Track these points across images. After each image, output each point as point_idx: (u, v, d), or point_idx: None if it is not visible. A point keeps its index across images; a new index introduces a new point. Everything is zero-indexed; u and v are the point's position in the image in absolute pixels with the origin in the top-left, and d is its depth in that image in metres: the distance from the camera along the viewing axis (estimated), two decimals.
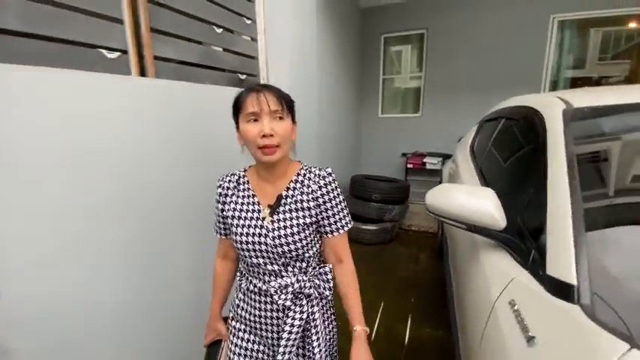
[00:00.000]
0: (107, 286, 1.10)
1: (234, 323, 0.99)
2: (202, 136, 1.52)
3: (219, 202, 0.93)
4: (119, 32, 1.18)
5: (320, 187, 0.87)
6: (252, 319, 0.93)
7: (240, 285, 0.97)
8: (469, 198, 1.01)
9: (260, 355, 0.96)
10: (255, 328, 0.94)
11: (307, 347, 0.90)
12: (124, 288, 1.15)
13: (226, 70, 1.82)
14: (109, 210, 1.09)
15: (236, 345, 0.97)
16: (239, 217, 0.88)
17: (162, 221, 1.31)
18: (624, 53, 3.80)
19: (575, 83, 3.90)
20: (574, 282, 0.67)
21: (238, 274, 1.00)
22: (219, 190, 0.93)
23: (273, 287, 0.86)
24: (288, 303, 0.85)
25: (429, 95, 4.27)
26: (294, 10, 2.39)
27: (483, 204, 0.98)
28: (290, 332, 0.85)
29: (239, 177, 0.93)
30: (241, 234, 0.86)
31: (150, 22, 1.28)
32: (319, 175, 0.89)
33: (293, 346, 0.87)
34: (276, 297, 0.85)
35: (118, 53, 1.18)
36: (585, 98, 1.11)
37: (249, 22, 2.01)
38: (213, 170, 1.29)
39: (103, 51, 1.14)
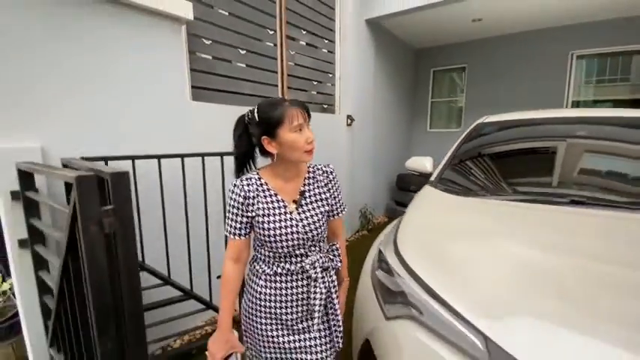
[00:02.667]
0: None
1: (255, 317, 1.04)
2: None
3: (242, 204, 0.98)
4: (277, 90, 2.86)
5: (330, 181, 1.09)
6: (278, 299, 1.01)
7: (259, 273, 1.04)
8: (420, 159, 2.33)
9: (285, 344, 1.04)
10: (278, 308, 1.02)
11: (329, 306, 1.07)
12: None
13: (317, 103, 3.45)
14: None
15: (260, 336, 1.04)
16: (269, 215, 0.97)
17: None
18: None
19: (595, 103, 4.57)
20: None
21: (255, 265, 1.07)
22: (242, 194, 0.98)
23: (307, 264, 1.00)
24: (319, 275, 1.01)
25: (468, 113, 5.31)
26: (358, 60, 3.93)
27: (425, 161, 2.29)
28: (320, 298, 1.02)
29: (257, 182, 1.01)
30: (274, 228, 0.96)
31: (287, 83, 2.95)
32: (326, 172, 1.10)
33: (321, 306, 1.03)
34: (312, 272, 1.00)
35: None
36: (502, 116, 2.25)
37: (330, 75, 3.63)
38: None
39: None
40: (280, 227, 0.97)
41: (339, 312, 1.09)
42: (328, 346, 1.08)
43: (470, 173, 1.97)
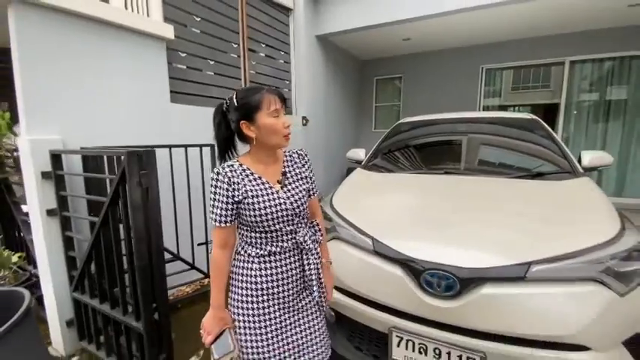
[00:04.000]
0: None
1: (251, 299, 1.06)
2: None
3: (227, 190, 1.00)
4: None
5: (305, 162, 1.19)
6: (275, 278, 1.06)
7: (251, 257, 1.07)
8: (356, 150, 3.04)
9: (280, 319, 1.08)
10: (277, 285, 1.07)
11: (319, 277, 1.15)
12: None
13: None
14: None
15: (259, 318, 1.06)
16: (257, 195, 1.02)
17: None
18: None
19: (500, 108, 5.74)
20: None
21: (243, 252, 1.09)
22: (226, 180, 1.00)
23: (300, 237, 1.08)
24: (311, 246, 1.09)
25: (405, 115, 6.24)
26: (311, 69, 4.58)
27: (360, 151, 3.00)
28: (316, 267, 1.11)
29: (239, 167, 1.05)
30: (265, 207, 1.01)
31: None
32: (300, 155, 1.20)
33: (317, 275, 1.12)
34: (305, 244, 1.08)
35: None
36: (415, 118, 3.08)
37: (287, 82, 4.25)
38: None
39: None
40: (270, 206, 1.02)
41: (324, 287, 1.17)
42: (320, 318, 1.18)
43: (388, 158, 2.71)
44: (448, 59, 5.78)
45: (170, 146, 2.32)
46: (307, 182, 1.16)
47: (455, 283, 1.24)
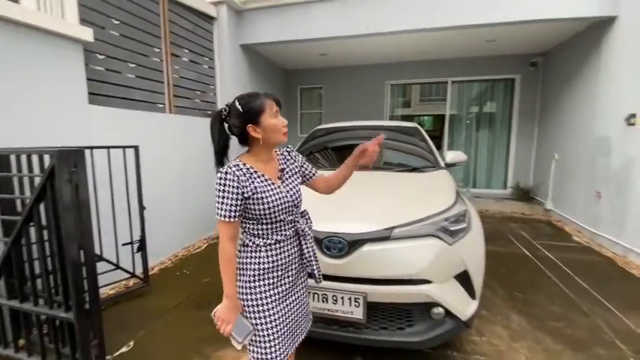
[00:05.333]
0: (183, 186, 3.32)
1: (260, 283, 1.17)
2: (195, 142, 3.82)
3: (237, 187, 1.10)
4: (165, 97, 3.50)
5: (294, 156, 1.34)
6: (281, 261, 1.20)
7: (259, 247, 1.18)
8: None
9: (286, 296, 1.23)
10: (283, 268, 1.21)
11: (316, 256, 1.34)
12: (188, 187, 3.38)
13: (201, 109, 4.18)
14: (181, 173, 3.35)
15: (270, 299, 1.18)
16: (264, 191, 1.13)
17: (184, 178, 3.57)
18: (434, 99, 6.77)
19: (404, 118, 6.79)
20: None
21: (251, 244, 1.19)
22: (235, 178, 1.09)
23: (301, 224, 1.26)
24: (308, 231, 1.29)
25: (326, 120, 6.88)
26: (235, 75, 4.81)
27: None
28: (313, 250, 1.30)
29: (244, 167, 1.14)
30: (271, 201, 1.14)
31: (174, 92, 3.62)
32: (288, 151, 1.34)
33: (314, 255, 1.31)
34: (306, 228, 1.27)
35: (163, 105, 3.49)
36: (328, 124, 3.55)
37: (212, 87, 4.41)
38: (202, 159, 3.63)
39: (159, 105, 3.44)
40: (275, 200, 1.15)
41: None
42: (307, 293, 1.38)
43: (307, 159, 3.14)
44: (361, 74, 6.59)
45: (91, 147, 2.35)
46: (299, 177, 1.32)
47: (345, 245, 1.68)
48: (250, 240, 1.20)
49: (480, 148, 6.42)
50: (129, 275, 2.70)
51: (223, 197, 1.10)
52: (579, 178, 4.41)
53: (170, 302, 2.62)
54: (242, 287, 1.19)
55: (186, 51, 3.97)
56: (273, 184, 1.18)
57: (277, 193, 1.17)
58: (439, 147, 6.11)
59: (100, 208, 2.47)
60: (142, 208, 2.66)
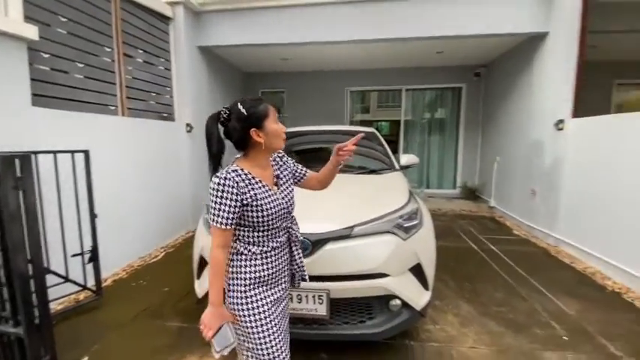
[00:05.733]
0: (137, 192, 3.15)
1: (256, 291, 1.16)
2: (150, 145, 3.67)
3: (236, 194, 1.07)
4: (117, 99, 3.33)
5: (285, 162, 1.34)
6: (276, 268, 1.20)
7: (255, 255, 1.16)
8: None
9: (279, 302, 1.23)
10: (277, 275, 1.21)
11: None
12: (143, 193, 3.21)
13: (155, 112, 4.03)
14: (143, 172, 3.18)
15: (265, 301, 1.17)
16: (264, 198, 1.12)
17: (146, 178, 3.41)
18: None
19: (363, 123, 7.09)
20: None
21: (246, 252, 1.16)
22: (234, 185, 1.06)
23: (295, 231, 1.29)
24: (300, 237, 1.32)
25: (288, 125, 6.92)
26: (192, 77, 4.69)
27: None
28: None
29: (242, 173, 1.11)
30: (270, 207, 1.13)
31: (126, 94, 3.46)
32: (279, 156, 1.33)
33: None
34: (298, 234, 1.30)
35: (115, 107, 3.32)
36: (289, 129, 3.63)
37: (168, 88, 4.27)
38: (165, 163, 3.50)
39: (111, 107, 3.27)
40: (274, 206, 1.14)
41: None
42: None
43: None
44: (323, 80, 6.76)
45: (36, 152, 2.18)
46: (292, 182, 1.33)
47: (309, 245, 1.76)
48: (245, 248, 1.16)
49: (432, 151, 6.89)
50: (80, 288, 2.53)
51: (221, 203, 1.06)
52: (517, 177, 4.93)
53: (126, 314, 2.50)
54: (235, 297, 1.15)
55: (141, 51, 3.81)
56: (270, 190, 1.17)
57: (275, 200, 1.16)
58: (395, 151, 6.46)
59: (48, 218, 2.29)
60: (93, 216, 2.51)
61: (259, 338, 1.15)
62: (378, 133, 3.44)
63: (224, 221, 1.07)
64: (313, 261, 1.75)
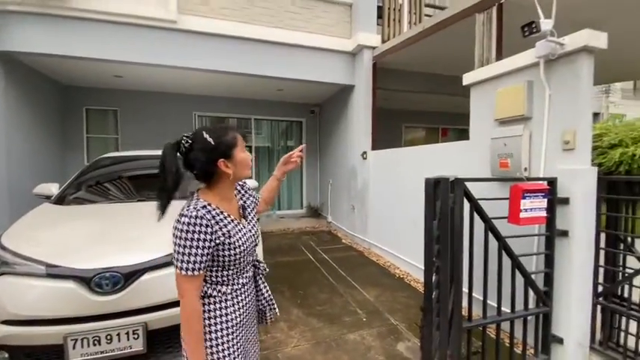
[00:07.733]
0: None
1: (236, 333, 1.08)
2: None
3: (209, 234, 0.97)
4: None
5: (247, 189, 1.26)
6: (247, 306, 1.13)
7: (226, 295, 1.06)
8: (47, 185, 2.83)
9: (250, 342, 1.16)
10: (249, 314, 1.15)
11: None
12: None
13: None
14: None
15: (240, 351, 1.09)
16: (235, 234, 1.04)
17: None
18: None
19: None
20: None
21: (216, 293, 1.05)
22: (208, 224, 0.97)
23: (262, 264, 1.24)
24: (265, 270, 1.26)
25: (125, 148, 6.14)
26: None
27: (51, 186, 2.82)
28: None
29: (209, 208, 1.01)
30: (242, 244, 1.05)
31: None
32: (242, 186, 1.25)
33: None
34: (264, 265, 1.24)
35: None
36: (114, 154, 3.23)
37: None
38: None
39: None
40: (244, 242, 1.07)
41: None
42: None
43: (82, 190, 2.80)
44: (167, 101, 6.41)
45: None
46: (254, 209, 1.24)
47: (120, 278, 1.69)
48: (214, 289, 1.05)
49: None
50: None
51: (191, 247, 0.94)
52: (343, 196, 6.02)
53: None
54: (212, 346, 1.03)
55: None
56: (239, 224, 1.09)
57: (245, 234, 1.09)
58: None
59: None
60: None
61: None
62: None
63: (196, 266, 0.95)
64: (126, 295, 1.70)
